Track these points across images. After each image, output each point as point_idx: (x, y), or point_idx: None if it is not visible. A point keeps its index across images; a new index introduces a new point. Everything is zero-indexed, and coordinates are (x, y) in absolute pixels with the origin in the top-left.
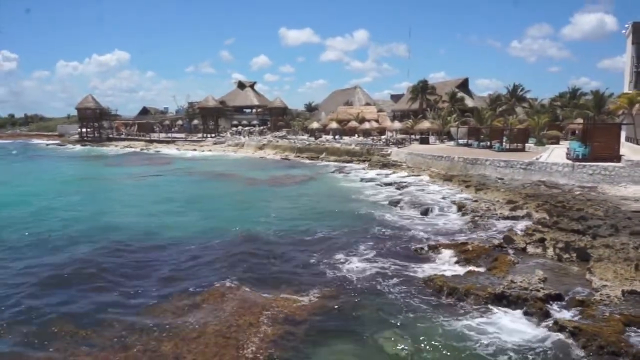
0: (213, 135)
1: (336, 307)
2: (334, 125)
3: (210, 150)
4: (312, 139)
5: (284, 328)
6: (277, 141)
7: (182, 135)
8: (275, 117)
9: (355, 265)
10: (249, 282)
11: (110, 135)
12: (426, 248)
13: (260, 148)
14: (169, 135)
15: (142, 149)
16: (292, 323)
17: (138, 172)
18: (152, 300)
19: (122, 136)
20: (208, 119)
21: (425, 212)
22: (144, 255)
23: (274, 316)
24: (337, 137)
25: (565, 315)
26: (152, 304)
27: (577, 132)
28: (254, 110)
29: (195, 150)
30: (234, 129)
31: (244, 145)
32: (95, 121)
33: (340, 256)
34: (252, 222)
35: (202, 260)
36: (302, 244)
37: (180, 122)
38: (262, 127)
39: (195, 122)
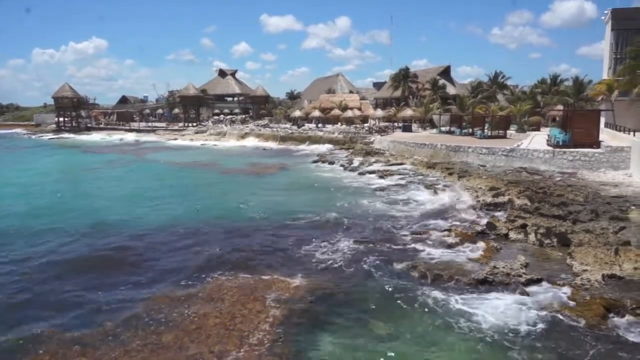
0: (194, 124)
1: (324, 295)
2: (316, 113)
3: (191, 139)
4: (295, 127)
5: (282, 312)
6: (260, 130)
7: (163, 124)
8: (258, 106)
9: (339, 253)
10: (240, 269)
11: (89, 125)
12: (410, 235)
13: (243, 137)
14: (149, 124)
15: (121, 139)
16: (289, 306)
17: (117, 162)
18: (145, 292)
19: (101, 125)
20: (189, 107)
21: (406, 199)
22: (129, 247)
23: (271, 302)
24: (319, 125)
25: (547, 298)
26: (146, 297)
27: (557, 118)
28: (235, 99)
29: (176, 139)
30: (216, 117)
31: (226, 134)
32: (72, 110)
33: (324, 243)
34: (235, 211)
35: (190, 250)
36: (287, 232)
37: (160, 111)
38: (244, 116)
39: (176, 111)
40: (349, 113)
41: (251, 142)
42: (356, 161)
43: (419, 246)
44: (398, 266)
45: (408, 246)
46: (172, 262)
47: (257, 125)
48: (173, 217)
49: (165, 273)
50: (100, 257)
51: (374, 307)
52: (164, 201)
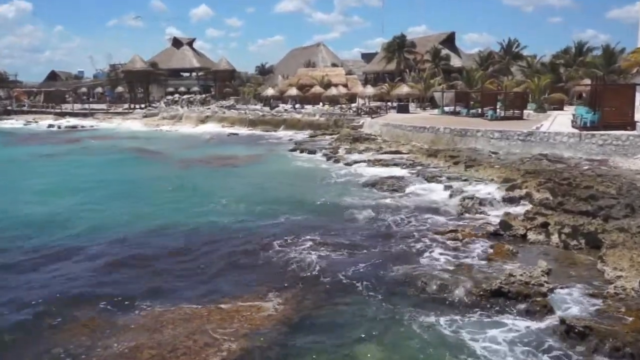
0: (143, 105)
1: (304, 314)
2: (293, 91)
3: (139, 124)
4: (267, 109)
5: (245, 346)
6: (224, 112)
7: (103, 106)
8: (221, 83)
9: (322, 263)
10: (192, 290)
11: (9, 108)
12: (407, 237)
13: (203, 121)
14: (86, 106)
15: (50, 125)
16: (254, 339)
17: (47, 153)
18: (60, 320)
19: (24, 108)
20: (136, 85)
21: (404, 193)
22: (37, 262)
23: (231, 332)
24: (297, 106)
25: (573, 312)
26: (61, 326)
27: (584, 95)
28: (194, 74)
29: (120, 124)
30: (170, 97)
31: (182, 117)
32: None
33: (304, 249)
34: (193, 213)
35: (124, 266)
36: (258, 238)
37: (100, 89)
38: (204, 96)
39: (120, 89)
40: (333, 91)
41: (213, 127)
42: (342, 149)
43: (418, 251)
44: (393, 277)
45: (405, 251)
46: (97, 282)
47: (221, 107)
48: (106, 224)
49: (89, 296)
50: (15, 270)
51: (363, 335)
52: (96, 203)
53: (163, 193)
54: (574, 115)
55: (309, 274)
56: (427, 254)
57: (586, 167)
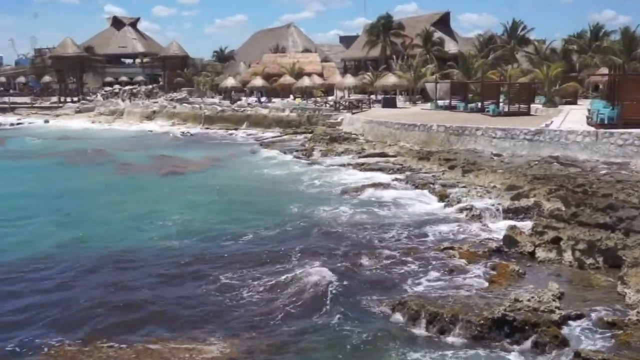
0: (75, 99)
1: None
2: (258, 82)
3: (71, 121)
4: (227, 102)
5: None
6: (174, 107)
7: (27, 99)
8: (171, 71)
9: (293, 288)
10: (119, 326)
11: None
12: (395, 255)
13: (149, 117)
14: (6, 99)
15: None
16: None
17: None
18: None
19: None
20: (67, 74)
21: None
22: None
23: None
24: (263, 99)
25: (590, 343)
26: None
27: (600, 86)
28: (137, 61)
29: (47, 121)
30: (108, 89)
31: (124, 113)
32: None
33: (265, 277)
34: (132, 231)
35: (38, 301)
36: (208, 264)
37: (22, 79)
38: (150, 87)
39: (47, 79)
40: (306, 81)
41: (162, 124)
42: (317, 151)
43: (406, 273)
44: (375, 308)
45: (390, 274)
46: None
47: (171, 101)
48: (19, 248)
49: None
50: None
51: None
52: (7, 221)
53: (96, 208)
54: (589, 110)
55: (267, 309)
56: (417, 276)
57: (604, 172)
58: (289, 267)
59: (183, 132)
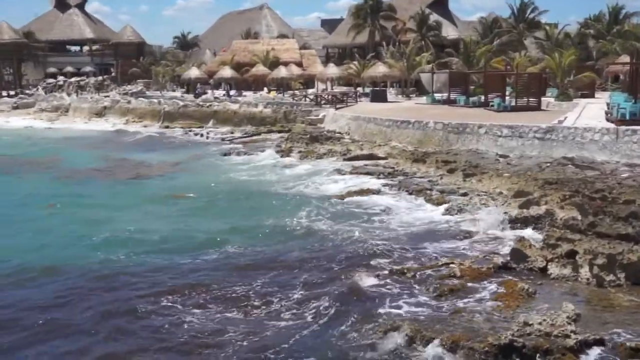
0: (12, 92)
1: None
2: (226, 72)
3: (7, 118)
4: (191, 97)
5: None
6: (129, 102)
7: None
8: (125, 61)
9: (244, 324)
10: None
11: None
12: (387, 272)
13: (99, 114)
14: None
15: None
16: None
17: None
18: None
19: None
20: (2, 64)
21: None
22: None
23: None
24: (233, 92)
25: None
26: None
27: (621, 77)
28: (85, 49)
29: None
30: (51, 81)
31: (70, 109)
32: None
33: (222, 305)
34: (77, 248)
35: None
36: (156, 288)
37: None
38: (101, 78)
39: None
40: (282, 72)
41: (114, 122)
42: (295, 153)
43: (401, 291)
44: (367, 329)
45: (383, 292)
46: None
47: (125, 94)
48: None
49: None
50: None
51: None
52: None
53: (33, 221)
54: (608, 104)
55: (218, 348)
56: (411, 297)
57: (626, 175)
58: (258, 290)
59: (139, 132)
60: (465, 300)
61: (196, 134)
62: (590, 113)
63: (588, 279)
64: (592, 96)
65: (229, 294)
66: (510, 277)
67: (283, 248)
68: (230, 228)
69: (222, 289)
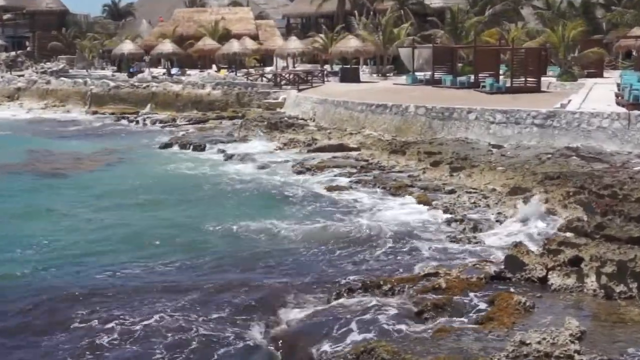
0: None
1: None
2: (167, 47)
3: None
4: (124, 76)
5: None
6: (48, 82)
7: None
8: (44, 33)
9: (174, 350)
10: None
11: None
12: (357, 285)
13: (11, 97)
14: None
15: None
16: None
17: None
18: None
19: None
20: None
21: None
22: None
23: None
24: (175, 71)
25: None
26: None
27: (634, 53)
28: None
29: None
30: None
31: None
32: None
33: (175, 319)
34: None
35: None
36: (93, 306)
37: None
38: (14, 54)
39: None
40: (234, 46)
41: (30, 107)
42: (250, 144)
43: (376, 307)
44: (336, 352)
45: (355, 308)
46: None
47: (44, 73)
48: None
49: None
50: None
51: None
52: None
53: None
54: (619, 85)
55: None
56: (388, 313)
57: (639, 168)
58: (206, 303)
59: (62, 120)
60: (452, 316)
61: (130, 121)
62: (597, 95)
63: (595, 290)
64: (600, 75)
65: (172, 303)
66: (504, 289)
67: (228, 257)
68: (168, 232)
69: (156, 310)
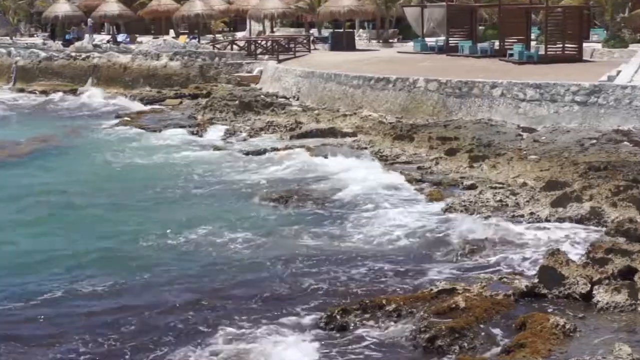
0: None
1: None
2: (112, 7)
3: None
4: (59, 44)
5: None
6: None
7: None
8: None
9: None
10: None
11: None
12: (355, 307)
13: None
14: None
15: None
16: None
17: None
18: None
19: None
20: None
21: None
22: None
23: None
24: (123, 38)
25: None
26: None
27: None
28: None
29: None
30: None
31: None
32: None
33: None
34: None
35: None
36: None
37: None
38: None
39: None
40: (197, 6)
41: None
42: (216, 128)
43: (378, 336)
44: None
45: (350, 339)
46: None
47: None
48: None
49: None
50: None
51: None
52: None
53: None
54: None
55: None
56: (389, 347)
57: None
58: (163, 328)
59: None
60: (473, 342)
61: (66, 100)
62: None
63: None
64: None
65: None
66: (538, 309)
67: (193, 271)
68: (111, 236)
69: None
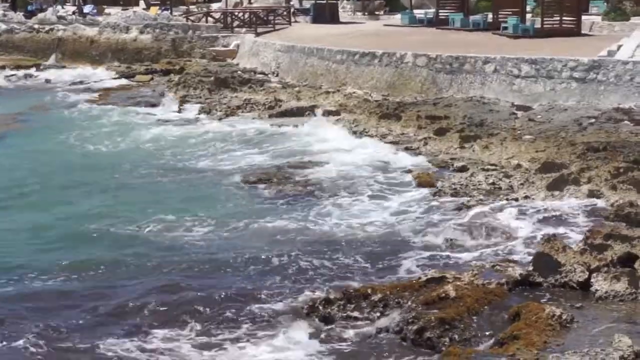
0: None
1: None
2: None
3: None
4: (19, 15)
5: None
6: None
7: None
8: None
9: None
10: None
11: None
12: (339, 296)
13: None
14: None
15: None
16: None
17: None
18: None
19: None
20: None
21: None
22: None
23: None
24: (89, 8)
25: None
26: None
27: None
28: None
29: None
30: None
31: None
32: None
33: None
34: None
35: None
36: None
37: None
38: None
39: None
40: None
41: None
42: (191, 106)
43: (364, 326)
44: None
45: (333, 331)
46: None
47: None
48: None
49: None
50: None
51: None
52: None
53: None
54: None
55: None
56: (375, 338)
57: None
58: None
59: None
60: (464, 333)
61: (28, 77)
62: None
63: None
64: None
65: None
66: (533, 298)
67: (167, 262)
68: (70, 224)
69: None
